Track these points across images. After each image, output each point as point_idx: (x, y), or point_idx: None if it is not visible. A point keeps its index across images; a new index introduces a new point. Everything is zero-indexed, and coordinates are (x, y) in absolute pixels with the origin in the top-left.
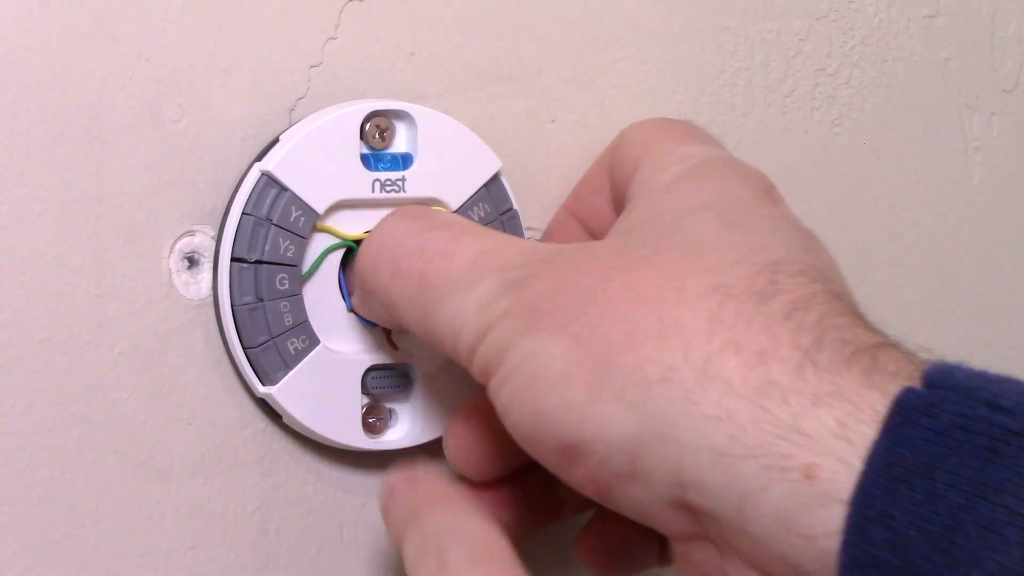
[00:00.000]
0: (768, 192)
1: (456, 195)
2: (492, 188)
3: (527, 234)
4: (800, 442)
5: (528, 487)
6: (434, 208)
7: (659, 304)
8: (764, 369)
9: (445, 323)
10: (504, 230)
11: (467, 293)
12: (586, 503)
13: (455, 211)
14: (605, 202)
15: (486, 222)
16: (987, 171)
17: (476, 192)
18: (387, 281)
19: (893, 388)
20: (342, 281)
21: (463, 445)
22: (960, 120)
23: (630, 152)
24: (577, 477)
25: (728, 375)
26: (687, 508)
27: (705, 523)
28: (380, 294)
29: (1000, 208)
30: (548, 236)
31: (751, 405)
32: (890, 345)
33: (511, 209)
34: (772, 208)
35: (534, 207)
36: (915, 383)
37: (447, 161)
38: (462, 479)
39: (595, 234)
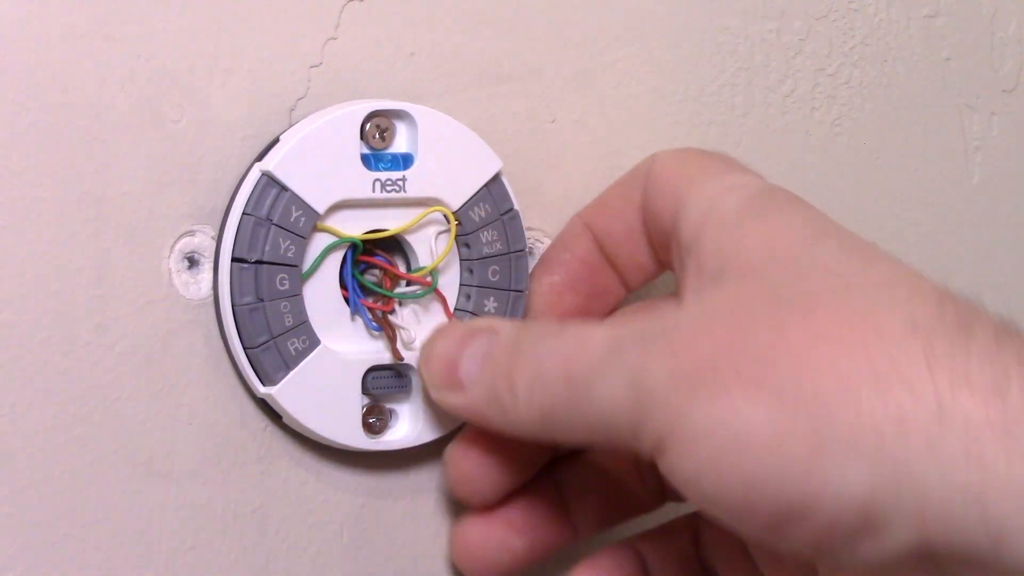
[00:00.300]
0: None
1: (457, 195)
2: (493, 188)
3: (528, 234)
4: None
5: (539, 511)
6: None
7: (863, 348)
8: (1003, 403)
9: (598, 412)
10: (505, 230)
11: (612, 372)
12: (597, 526)
13: (456, 211)
14: (629, 222)
15: (487, 222)
16: (987, 171)
17: (477, 192)
18: (531, 397)
19: None
20: (343, 280)
21: (465, 471)
22: (960, 120)
23: (670, 184)
24: (795, 541)
25: (968, 413)
26: (929, 555)
27: (947, 565)
28: (525, 414)
29: (1000, 208)
30: (557, 243)
31: (998, 441)
32: None
33: (512, 209)
34: (848, 232)
35: (534, 207)
36: None
37: (448, 161)
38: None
39: (609, 250)
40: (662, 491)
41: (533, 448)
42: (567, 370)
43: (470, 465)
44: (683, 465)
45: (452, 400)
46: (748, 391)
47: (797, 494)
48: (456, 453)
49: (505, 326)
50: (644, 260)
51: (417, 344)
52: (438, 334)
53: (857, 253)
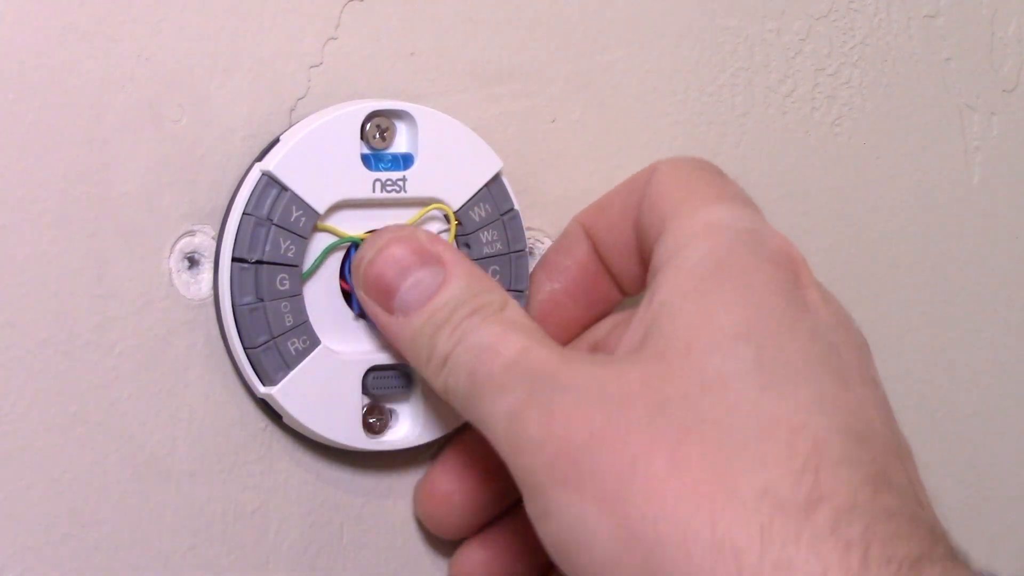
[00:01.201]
0: (798, 279)
1: (457, 195)
2: (493, 188)
3: (528, 234)
4: None
5: (521, 541)
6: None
7: (708, 506)
8: None
9: (484, 425)
10: (505, 230)
11: (499, 398)
12: None
13: (456, 211)
14: (624, 236)
15: (487, 222)
16: (987, 171)
17: (477, 192)
18: (441, 369)
19: None
20: (349, 280)
21: (436, 505)
22: (960, 120)
23: (658, 206)
24: None
25: None
26: None
27: None
28: (433, 378)
29: (1000, 208)
30: (557, 247)
31: None
32: (937, 558)
33: (512, 209)
34: (805, 319)
35: (534, 207)
36: None
37: (448, 161)
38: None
39: (605, 259)
40: None
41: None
42: (473, 368)
43: (437, 504)
44: (539, 526)
45: (378, 315)
46: (598, 501)
47: None
48: (423, 491)
49: (454, 273)
50: (638, 271)
51: None
52: (389, 239)
53: (768, 368)
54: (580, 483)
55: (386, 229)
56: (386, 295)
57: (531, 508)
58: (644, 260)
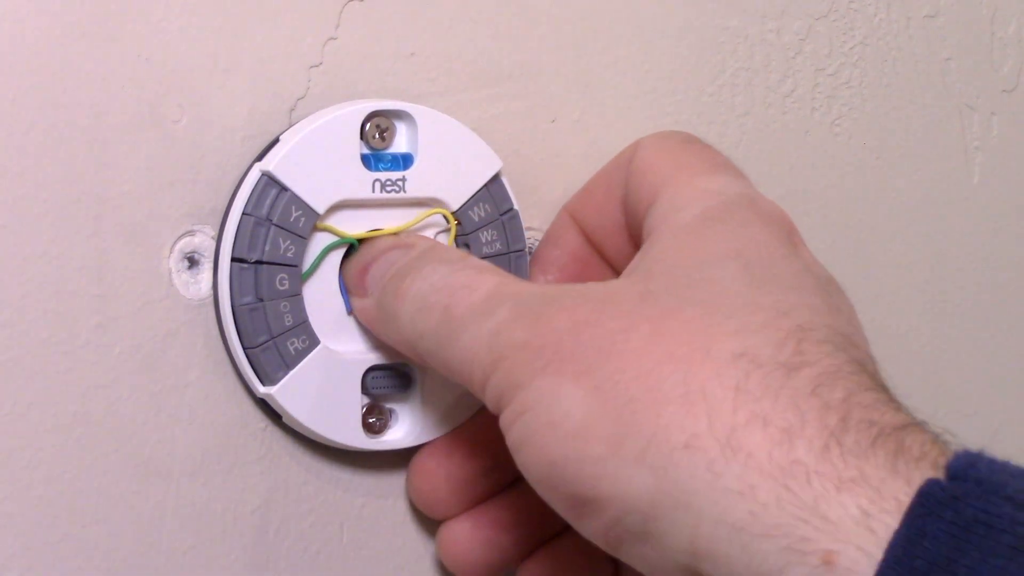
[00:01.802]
0: (791, 237)
1: (456, 195)
2: (493, 188)
3: (527, 234)
4: (821, 527)
5: (527, 506)
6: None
7: (685, 365)
8: (790, 447)
9: (460, 354)
10: (504, 230)
11: (482, 322)
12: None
13: (456, 211)
14: (612, 216)
15: (487, 222)
16: (987, 171)
17: (477, 192)
18: (413, 316)
19: (918, 476)
20: (342, 282)
21: (425, 481)
22: (960, 120)
23: (647, 178)
24: (588, 528)
25: (753, 449)
26: (697, 573)
27: None
28: (404, 331)
29: (1000, 208)
30: (547, 240)
31: (775, 483)
32: (916, 426)
33: (512, 209)
34: (796, 259)
35: (534, 207)
36: (939, 471)
37: (447, 161)
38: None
39: (596, 244)
40: None
41: (501, 458)
42: (447, 304)
43: (425, 480)
44: (511, 431)
45: (356, 304)
46: (575, 377)
47: (589, 487)
48: (413, 467)
49: (422, 241)
50: (630, 250)
51: None
52: (368, 242)
53: (757, 277)
54: (560, 366)
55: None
56: (361, 278)
57: (505, 416)
58: (634, 237)
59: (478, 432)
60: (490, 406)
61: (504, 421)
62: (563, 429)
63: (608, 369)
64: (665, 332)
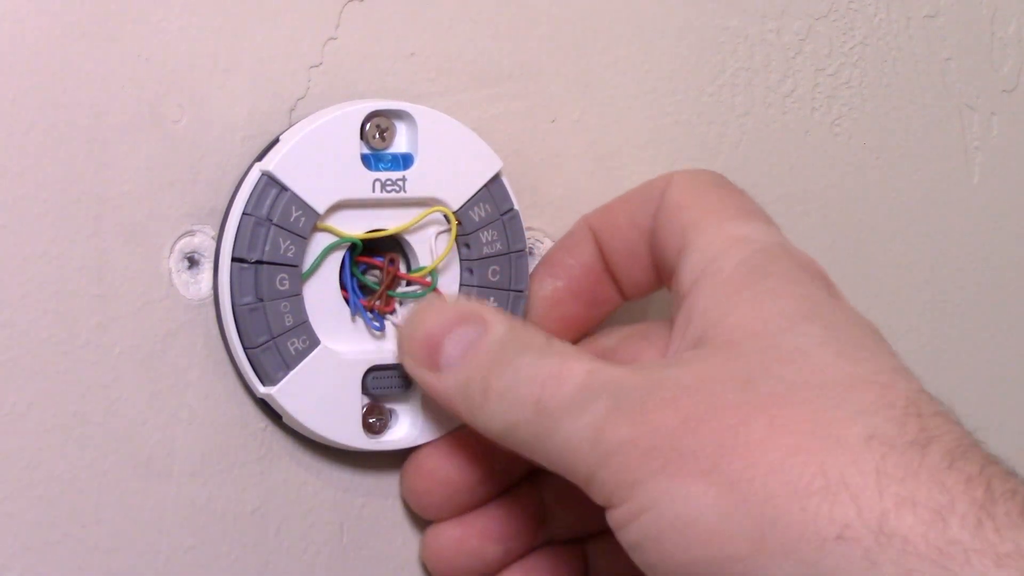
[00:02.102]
0: (830, 286)
1: (457, 195)
2: (493, 188)
3: (527, 234)
4: None
5: (516, 518)
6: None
7: (818, 456)
8: (944, 527)
9: (559, 448)
10: (505, 230)
11: (579, 416)
12: (575, 534)
13: (456, 211)
14: (633, 244)
15: (487, 222)
16: (987, 171)
17: (477, 192)
18: (503, 409)
19: None
20: (344, 281)
21: (420, 480)
22: (960, 120)
23: (677, 219)
24: None
25: (907, 533)
26: None
27: None
28: (494, 423)
29: (1000, 208)
30: (563, 246)
31: (933, 565)
32: None
33: (512, 209)
34: (851, 313)
35: (534, 207)
36: None
37: (448, 161)
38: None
39: (610, 264)
40: None
41: (498, 466)
42: (539, 397)
43: (421, 480)
44: (628, 529)
45: (426, 378)
46: (701, 476)
47: None
48: (409, 466)
49: (495, 321)
50: (643, 278)
51: None
52: (428, 307)
53: (839, 340)
54: (680, 465)
55: (423, 300)
56: (431, 353)
57: (620, 513)
58: (654, 267)
59: (479, 439)
60: (597, 500)
61: (618, 518)
62: (698, 529)
63: (737, 466)
64: (785, 422)
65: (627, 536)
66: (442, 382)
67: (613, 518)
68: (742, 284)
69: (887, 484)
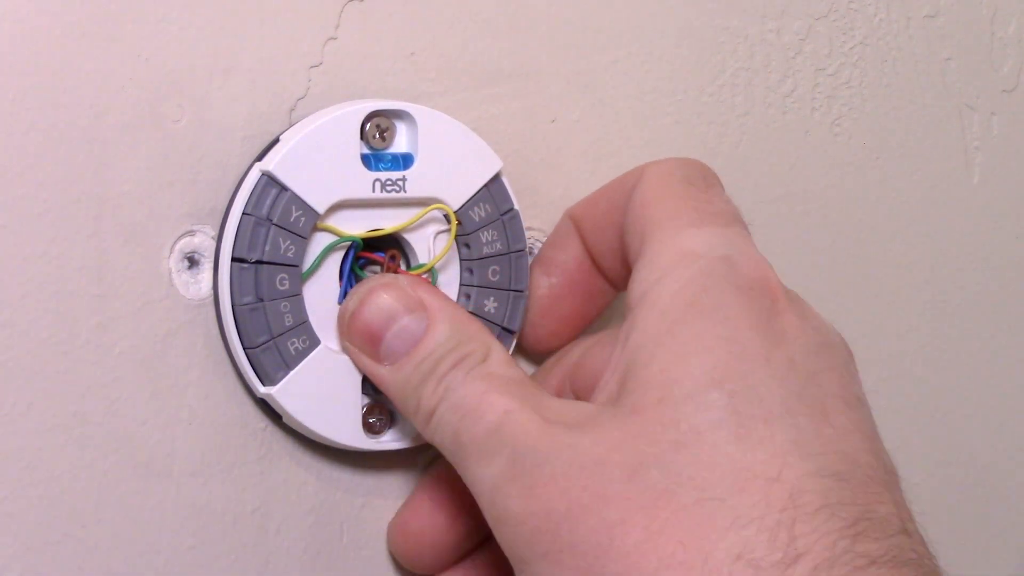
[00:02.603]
0: (773, 305)
1: (457, 195)
2: (493, 188)
3: (527, 234)
4: None
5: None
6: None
7: (684, 571)
8: None
9: (469, 480)
10: (505, 230)
11: (482, 465)
12: None
13: (456, 211)
14: (609, 238)
15: (487, 222)
16: (987, 171)
17: (477, 192)
18: (431, 425)
19: None
20: (344, 280)
21: (409, 544)
22: (960, 120)
23: (640, 218)
24: None
25: None
26: None
27: None
28: (423, 429)
29: (1000, 208)
30: (552, 242)
31: None
32: None
33: (512, 209)
34: (777, 353)
35: (534, 207)
36: None
37: (448, 161)
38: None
39: (593, 256)
40: None
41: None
42: (456, 429)
43: (409, 543)
44: None
45: (365, 365)
46: (578, 573)
47: None
48: (395, 530)
49: (439, 318)
50: (624, 272)
51: None
52: (374, 291)
53: (739, 416)
54: (559, 556)
55: (368, 279)
56: (372, 343)
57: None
58: (629, 262)
59: (451, 483)
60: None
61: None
62: None
63: (612, 570)
64: (661, 528)
65: None
66: (381, 373)
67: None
68: (673, 322)
69: None
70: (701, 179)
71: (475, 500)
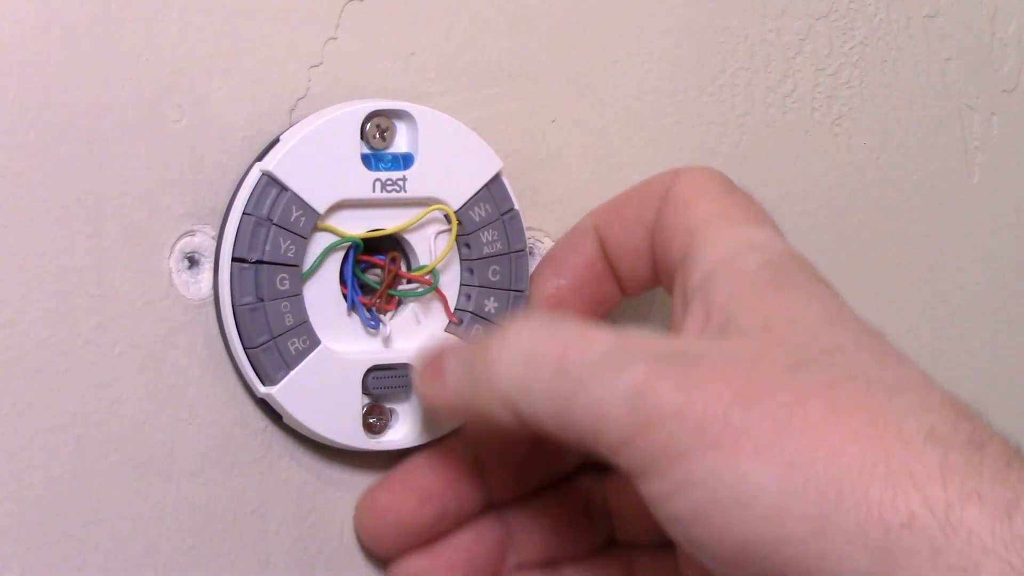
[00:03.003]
0: (842, 297)
1: (457, 195)
2: (493, 188)
3: (528, 234)
4: None
5: (482, 549)
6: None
7: (881, 444)
8: (1009, 522)
9: (584, 411)
10: (505, 230)
11: (613, 377)
12: (540, 567)
13: (456, 211)
14: (636, 240)
15: (487, 222)
16: (987, 171)
17: (477, 192)
18: (516, 371)
19: None
20: (345, 279)
21: (372, 519)
22: (960, 120)
23: (682, 220)
24: None
25: (972, 526)
26: None
27: None
28: (508, 390)
29: (1000, 208)
30: (567, 243)
31: (998, 559)
32: None
33: (512, 209)
34: (866, 323)
35: (534, 207)
36: None
37: (448, 161)
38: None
39: (612, 260)
40: (609, 536)
41: (455, 501)
42: (561, 358)
43: (372, 518)
44: (674, 502)
45: (431, 390)
46: (757, 454)
47: (792, 567)
48: (364, 501)
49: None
50: (645, 275)
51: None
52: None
53: (870, 348)
54: (735, 441)
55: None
56: (436, 364)
57: (660, 486)
58: (656, 267)
59: (432, 480)
60: (625, 467)
61: (656, 490)
62: (755, 509)
63: (796, 446)
64: (842, 408)
65: (668, 509)
66: (444, 383)
67: (649, 488)
68: (769, 282)
69: (951, 478)
70: (737, 187)
71: (453, 487)
